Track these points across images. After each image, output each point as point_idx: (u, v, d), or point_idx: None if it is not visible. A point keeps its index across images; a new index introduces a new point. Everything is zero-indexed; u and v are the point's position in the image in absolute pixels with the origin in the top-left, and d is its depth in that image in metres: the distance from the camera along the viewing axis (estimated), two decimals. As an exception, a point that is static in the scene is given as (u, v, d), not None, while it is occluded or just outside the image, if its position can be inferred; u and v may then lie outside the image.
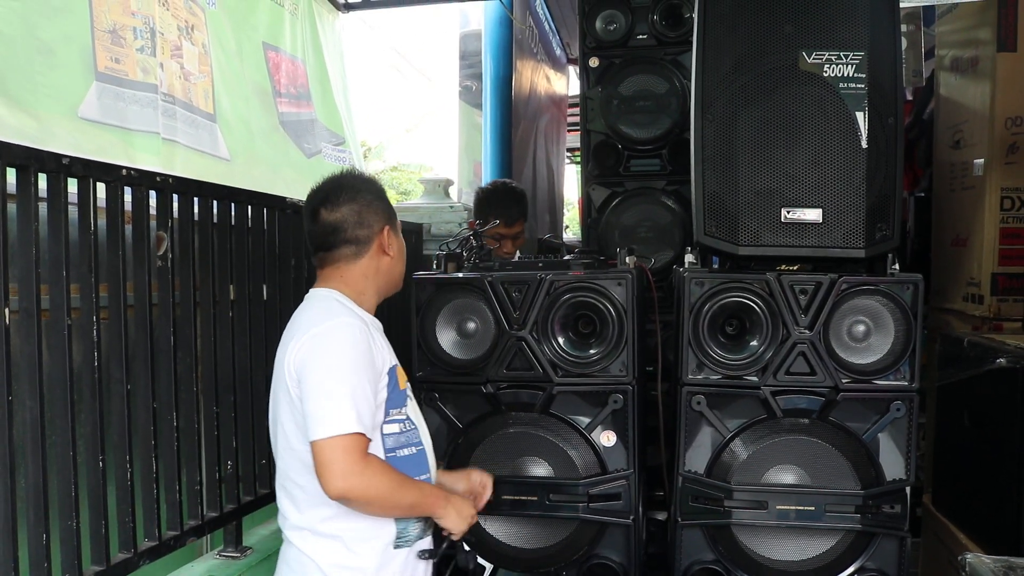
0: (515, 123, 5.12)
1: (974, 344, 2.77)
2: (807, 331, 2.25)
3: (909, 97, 4.40)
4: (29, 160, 1.70)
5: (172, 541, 2.11)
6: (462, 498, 1.94)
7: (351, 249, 1.87)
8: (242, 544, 2.42)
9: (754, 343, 2.28)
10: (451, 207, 4.10)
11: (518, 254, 3.36)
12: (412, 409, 1.92)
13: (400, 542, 1.83)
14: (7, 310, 1.64)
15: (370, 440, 1.74)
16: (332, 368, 1.71)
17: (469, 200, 4.90)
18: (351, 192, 1.88)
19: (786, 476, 2.29)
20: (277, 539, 2.57)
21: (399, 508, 1.80)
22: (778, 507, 2.27)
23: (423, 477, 1.89)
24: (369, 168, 15.52)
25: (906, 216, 4.45)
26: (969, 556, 2.30)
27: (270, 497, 2.55)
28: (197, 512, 2.22)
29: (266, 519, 2.66)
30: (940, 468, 3.20)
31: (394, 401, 1.83)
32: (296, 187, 3.16)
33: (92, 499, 1.88)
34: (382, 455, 1.80)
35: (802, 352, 2.26)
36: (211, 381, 2.30)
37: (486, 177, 4.72)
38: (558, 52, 6.49)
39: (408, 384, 1.95)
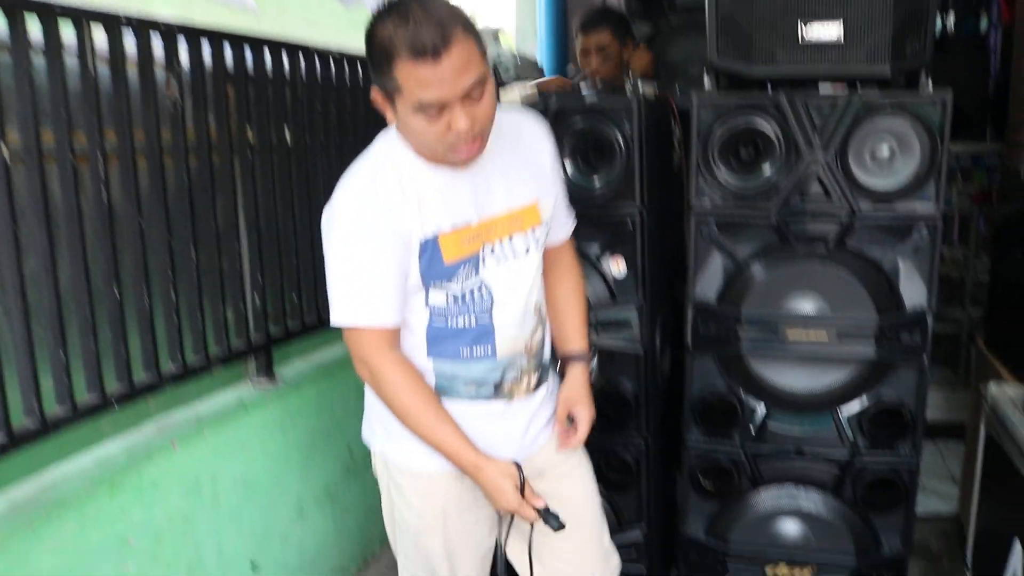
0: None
1: (1032, 173, 2.60)
2: (822, 153, 2.15)
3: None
4: (15, 6, 1.75)
5: (197, 368, 2.25)
6: (502, 475, 1.60)
7: None
8: (273, 375, 2.56)
9: (767, 167, 2.20)
10: (499, 54, 4.01)
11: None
12: (484, 278, 1.62)
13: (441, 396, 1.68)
14: (6, 148, 1.74)
15: (396, 326, 1.60)
16: (329, 254, 1.57)
17: (529, 50, 4.79)
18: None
19: (800, 304, 2.24)
20: (309, 372, 2.73)
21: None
22: (790, 333, 2.23)
23: (479, 353, 1.65)
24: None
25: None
26: (992, 385, 2.24)
27: (301, 332, 2.68)
28: (223, 341, 2.36)
29: (301, 353, 2.81)
30: (994, 307, 3.07)
31: (435, 274, 1.58)
32: (334, 37, 3.14)
33: (112, 326, 2.01)
34: (423, 325, 1.64)
35: (817, 175, 2.17)
36: (231, 220, 2.39)
37: (540, 23, 4.59)
38: None
39: (483, 249, 1.60)
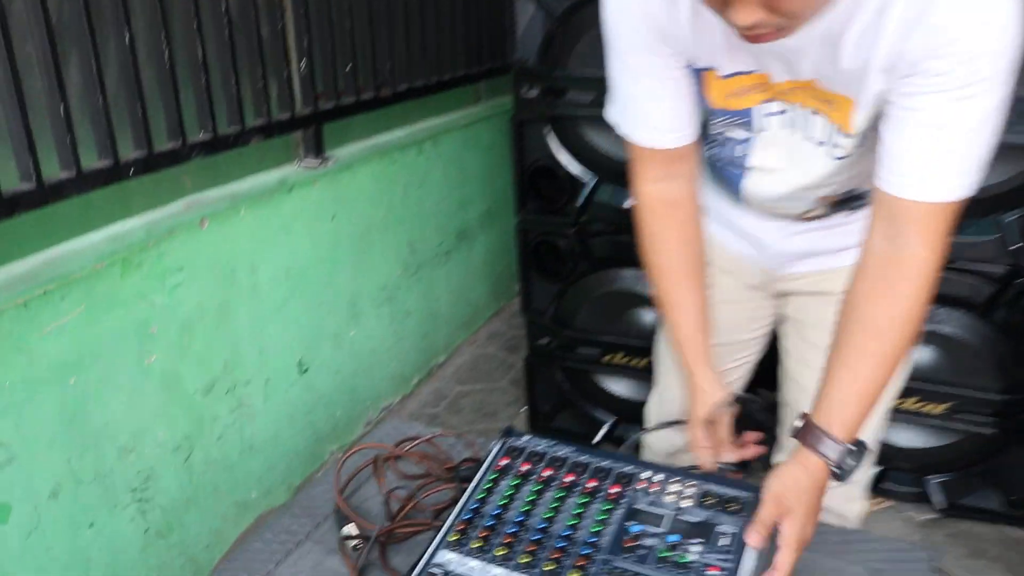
0: None
1: None
2: None
3: None
4: None
5: (231, 137, 1.95)
6: (700, 400, 1.29)
7: None
8: (322, 155, 2.24)
9: None
10: None
11: None
12: (754, 136, 1.21)
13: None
14: None
15: (666, 148, 1.23)
16: None
17: None
18: None
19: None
20: (364, 154, 2.40)
21: None
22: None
23: (725, 193, 1.35)
24: None
25: None
26: None
27: (354, 108, 2.34)
28: (264, 113, 2.04)
29: (359, 135, 2.46)
30: None
31: (700, 103, 1.23)
32: None
33: (124, 82, 1.70)
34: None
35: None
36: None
37: None
38: None
39: (768, 104, 1.15)
